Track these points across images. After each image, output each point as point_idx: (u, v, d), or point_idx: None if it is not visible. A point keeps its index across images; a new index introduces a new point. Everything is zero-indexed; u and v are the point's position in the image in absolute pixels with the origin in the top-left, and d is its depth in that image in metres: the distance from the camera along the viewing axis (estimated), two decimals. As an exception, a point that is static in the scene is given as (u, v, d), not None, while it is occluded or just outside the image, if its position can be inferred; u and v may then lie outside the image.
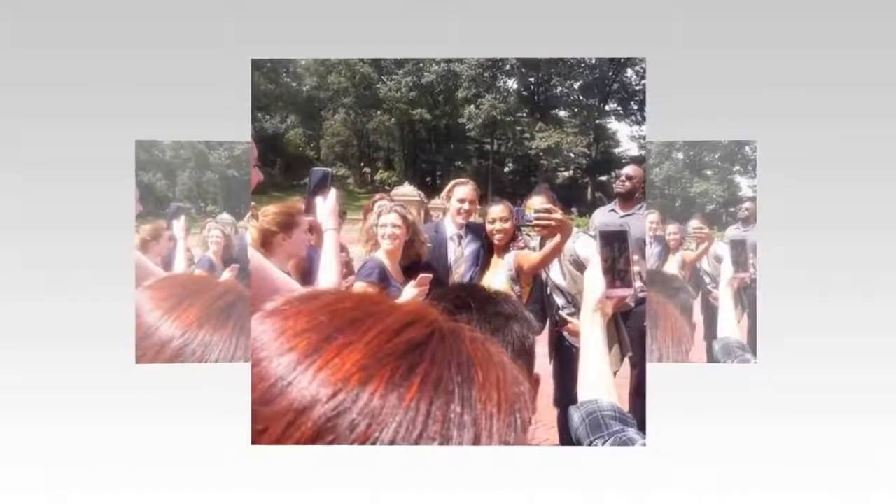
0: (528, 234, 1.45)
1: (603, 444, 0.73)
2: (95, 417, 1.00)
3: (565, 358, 1.46)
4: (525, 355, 0.76)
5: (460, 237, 1.48)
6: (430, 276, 1.22)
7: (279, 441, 0.62)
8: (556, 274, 1.45)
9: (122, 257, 1.00)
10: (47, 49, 1.03)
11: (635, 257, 0.84)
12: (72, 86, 1.03)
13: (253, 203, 1.12)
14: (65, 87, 1.03)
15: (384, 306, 0.81)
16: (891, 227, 0.98)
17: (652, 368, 0.96)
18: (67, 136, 1.02)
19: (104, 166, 1.03)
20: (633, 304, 1.26)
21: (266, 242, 1.13)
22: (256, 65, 1.04)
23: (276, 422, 0.63)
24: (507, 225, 1.42)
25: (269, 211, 1.14)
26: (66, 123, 1.02)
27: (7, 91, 1.03)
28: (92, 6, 1.04)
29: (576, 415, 0.74)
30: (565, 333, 1.47)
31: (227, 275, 1.11)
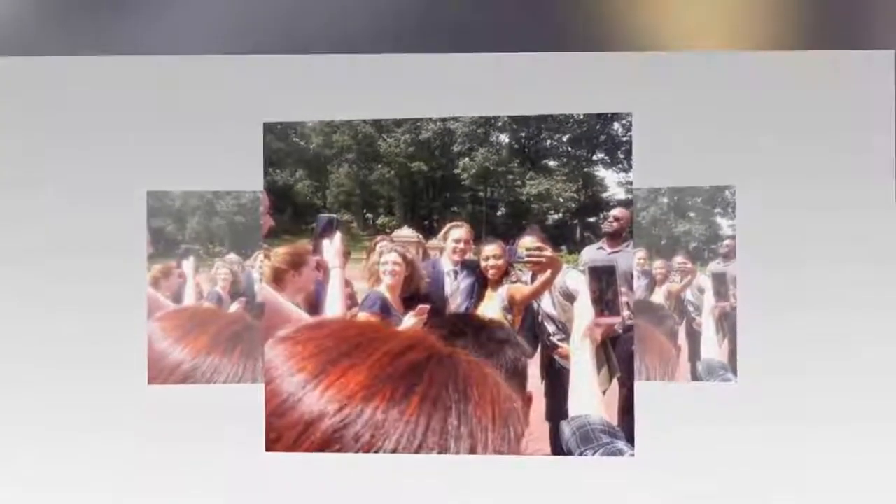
0: (520, 270, 1.49)
1: (593, 454, 0.77)
2: (111, 433, 1.07)
3: (556, 378, 1.49)
4: (518, 376, 0.82)
5: (456, 273, 1.52)
6: (428, 306, 1.27)
7: (291, 448, 0.68)
8: (546, 304, 1.49)
9: (135, 291, 1.10)
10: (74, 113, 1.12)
11: (623, 289, 0.90)
12: (93, 141, 1.13)
13: (265, 245, 1.17)
14: (87, 142, 1.13)
15: (386, 333, 0.88)
16: (858, 251, 1.06)
17: (639, 386, 1.01)
18: (87, 185, 1.13)
19: (118, 212, 1.12)
20: (620, 331, 1.30)
21: (277, 279, 1.19)
22: (268, 127, 1.13)
23: (288, 431, 0.69)
24: (500, 262, 1.46)
25: (280, 251, 1.20)
26: (87, 173, 1.13)
27: (45, 142, 1.12)
28: (120, 73, 1.12)
29: (566, 428, 0.78)
30: (556, 357, 1.50)
31: (234, 307, 1.15)
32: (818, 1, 1.11)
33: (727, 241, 1.13)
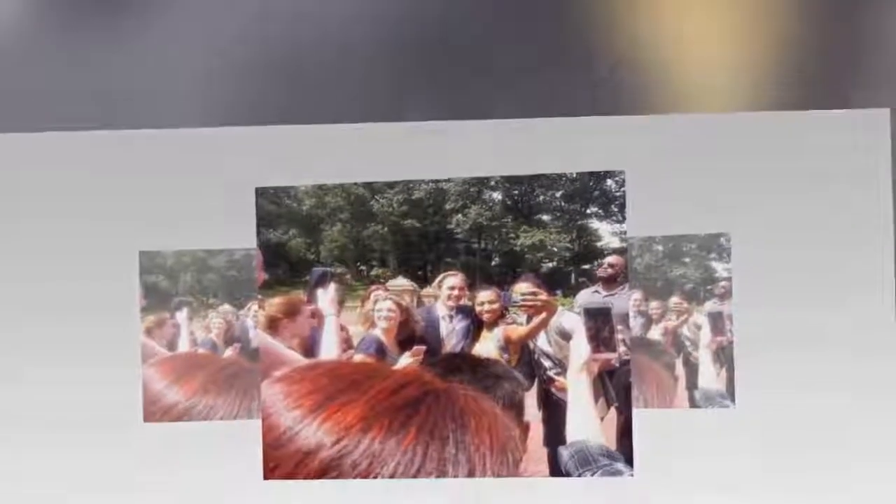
0: (515, 313, 1.49)
1: (592, 476, 0.77)
2: (108, 466, 1.08)
3: (553, 408, 1.49)
4: (515, 407, 0.82)
5: (451, 316, 1.52)
6: (424, 347, 1.27)
7: (289, 476, 0.68)
8: (542, 342, 1.49)
9: (128, 341, 1.11)
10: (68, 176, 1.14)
11: (619, 327, 0.90)
12: (87, 203, 1.15)
13: (259, 297, 1.18)
14: (81, 203, 1.15)
15: (382, 372, 0.87)
16: (841, 292, 1.08)
17: (637, 413, 1.01)
18: (80, 246, 1.15)
19: (110, 272, 1.14)
20: (617, 365, 1.30)
21: (272, 326, 1.19)
22: (259, 191, 1.15)
23: (285, 461, 0.69)
24: (495, 306, 1.46)
25: (275, 301, 1.21)
26: (80, 233, 1.15)
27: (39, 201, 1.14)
28: (116, 146, 1.15)
29: (565, 452, 0.78)
30: (553, 389, 1.50)
31: (229, 352, 1.16)
32: (812, 61, 1.12)
33: (723, 283, 1.13)
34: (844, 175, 1.09)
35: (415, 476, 0.50)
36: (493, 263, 1.22)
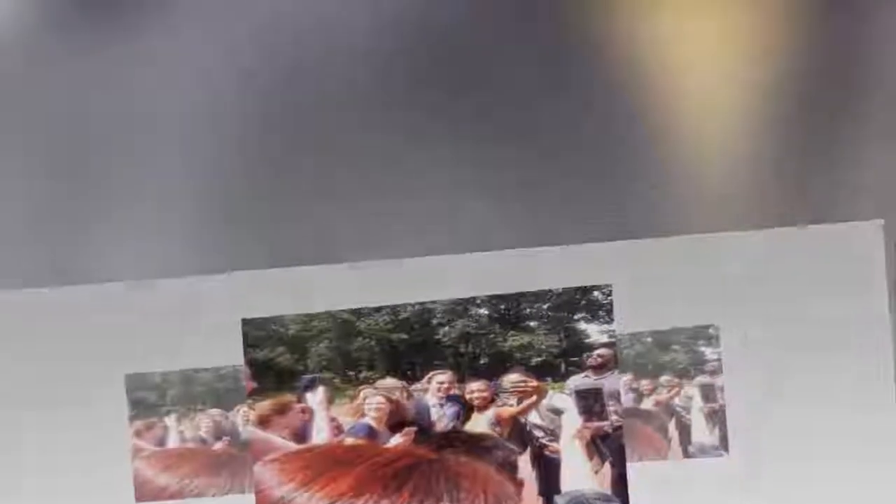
0: (506, 398, 1.49)
1: (589, 518, 0.77)
2: None
3: (548, 465, 1.47)
4: (509, 468, 0.81)
5: (441, 404, 1.52)
6: (415, 428, 1.27)
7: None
8: (534, 417, 1.49)
9: (117, 436, 1.11)
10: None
11: (610, 402, 0.91)
12: (76, 332, 1.14)
13: (249, 401, 1.19)
14: (69, 332, 1.14)
15: (373, 449, 0.88)
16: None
17: (632, 465, 1.01)
18: (68, 373, 1.14)
19: (97, 396, 1.14)
20: (610, 430, 1.30)
21: (263, 422, 1.18)
22: (245, 321, 1.18)
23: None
24: (486, 394, 1.46)
25: (265, 403, 1.22)
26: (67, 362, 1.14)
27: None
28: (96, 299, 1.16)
29: (560, 500, 0.77)
30: (546, 452, 1.48)
31: (218, 445, 1.15)
32: (801, 176, 1.11)
33: (712, 363, 1.14)
34: (837, 283, 1.08)
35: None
36: (481, 362, 1.24)
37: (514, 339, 1.24)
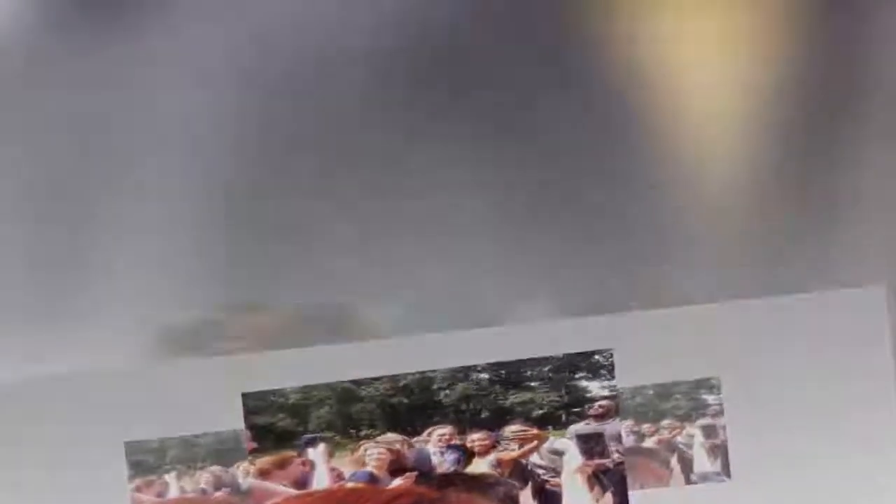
0: (507, 445, 1.49)
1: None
2: None
3: (550, 497, 1.45)
4: (510, 500, 0.81)
5: (442, 452, 1.51)
6: (416, 472, 1.26)
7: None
8: (535, 458, 1.48)
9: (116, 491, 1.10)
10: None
11: (612, 444, 0.91)
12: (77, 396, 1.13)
13: (250, 458, 1.19)
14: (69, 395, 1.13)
15: (374, 490, 0.88)
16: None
17: (634, 494, 1.00)
18: (70, 437, 1.10)
19: (97, 460, 1.11)
20: (611, 466, 1.29)
21: (263, 474, 1.18)
22: (245, 394, 1.19)
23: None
24: (487, 442, 1.46)
25: (266, 458, 1.22)
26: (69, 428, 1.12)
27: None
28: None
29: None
30: (547, 486, 1.47)
31: (218, 494, 1.14)
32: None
33: (714, 407, 1.15)
34: (841, 346, 1.06)
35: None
36: (482, 416, 1.24)
37: (514, 397, 1.25)
